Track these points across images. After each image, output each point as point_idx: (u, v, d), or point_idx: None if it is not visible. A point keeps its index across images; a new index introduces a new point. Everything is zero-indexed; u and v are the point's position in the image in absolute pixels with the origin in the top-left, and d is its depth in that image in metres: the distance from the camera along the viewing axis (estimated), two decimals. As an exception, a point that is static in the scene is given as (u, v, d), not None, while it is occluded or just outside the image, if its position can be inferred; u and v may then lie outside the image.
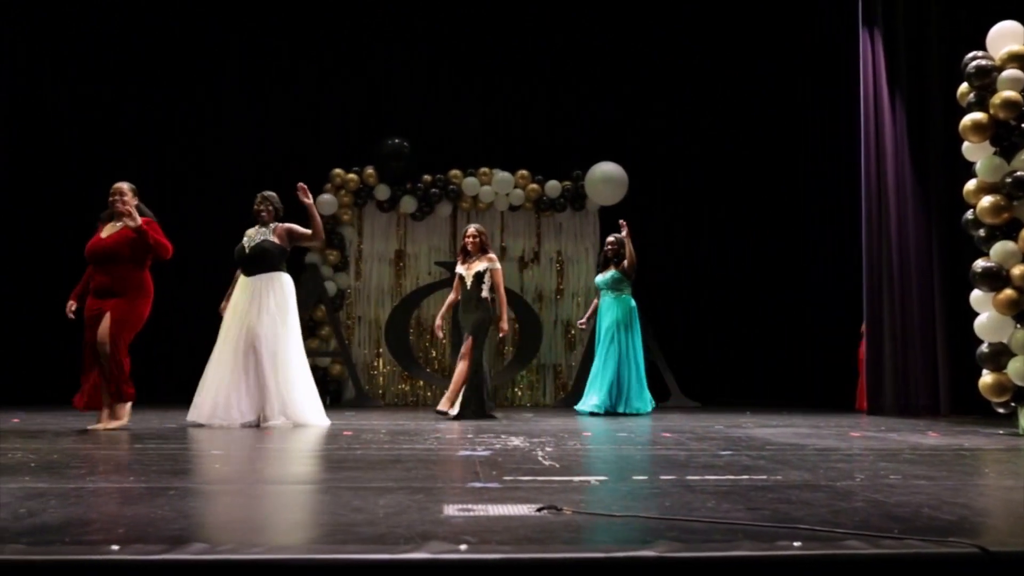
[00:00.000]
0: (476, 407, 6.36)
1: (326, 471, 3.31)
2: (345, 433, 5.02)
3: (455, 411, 6.31)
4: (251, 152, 9.54)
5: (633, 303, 7.50)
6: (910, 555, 1.85)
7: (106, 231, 5.36)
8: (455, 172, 9.40)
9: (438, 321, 6.72)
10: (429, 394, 9.20)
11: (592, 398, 7.29)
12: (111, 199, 5.32)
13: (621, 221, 7.51)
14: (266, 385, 5.49)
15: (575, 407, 7.52)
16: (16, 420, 4.58)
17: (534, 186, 9.43)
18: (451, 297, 6.73)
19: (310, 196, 5.72)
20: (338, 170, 9.38)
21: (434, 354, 9.45)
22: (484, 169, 9.40)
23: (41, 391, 8.07)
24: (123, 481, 3.00)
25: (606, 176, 9.18)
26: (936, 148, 7.19)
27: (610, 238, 7.65)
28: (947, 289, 7.07)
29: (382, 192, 9.41)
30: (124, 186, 5.37)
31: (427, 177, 9.39)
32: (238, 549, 1.86)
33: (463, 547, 1.86)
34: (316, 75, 9.72)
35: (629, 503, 2.52)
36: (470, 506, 2.46)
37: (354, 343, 9.40)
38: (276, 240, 5.79)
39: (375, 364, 9.49)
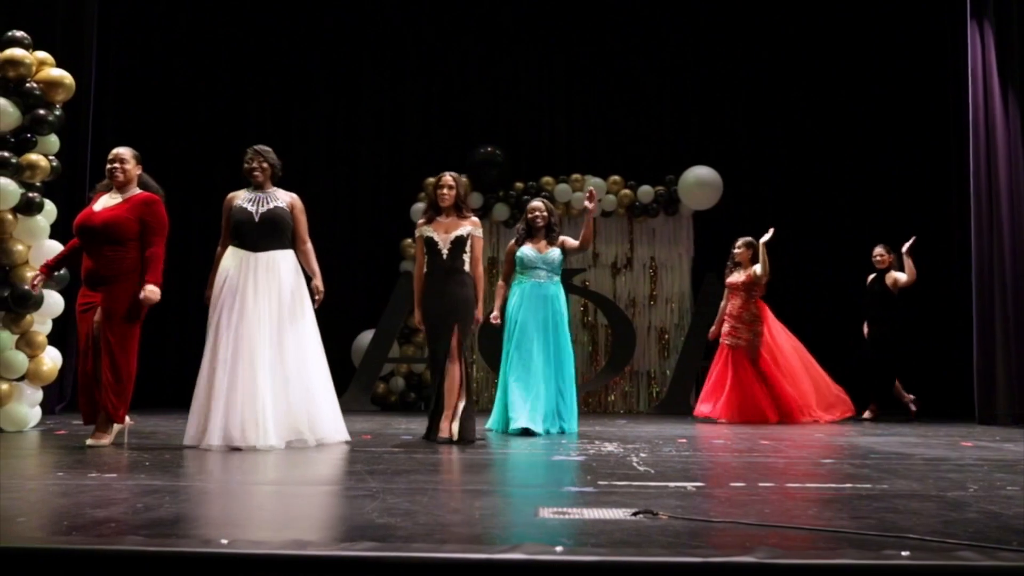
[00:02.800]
0: (472, 426, 4.92)
1: (423, 474, 3.36)
2: (441, 435, 5.08)
3: (456, 433, 4.82)
4: (345, 163, 9.77)
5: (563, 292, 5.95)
6: (1029, 568, 1.76)
7: (100, 204, 4.37)
8: (547, 179, 9.42)
9: (418, 315, 5.23)
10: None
11: (525, 411, 5.45)
12: (109, 166, 4.39)
13: (591, 190, 5.68)
14: (300, 398, 4.47)
15: (489, 425, 5.74)
16: (131, 422, 4.81)
17: (627, 191, 9.36)
18: (418, 272, 5.23)
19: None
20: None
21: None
22: (576, 175, 9.39)
23: (152, 393, 8.35)
24: (229, 481, 3.12)
25: (700, 180, 9.04)
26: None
27: (537, 203, 5.90)
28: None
29: (475, 200, 9.51)
30: (125, 152, 4.42)
31: (519, 184, 9.45)
32: (340, 546, 1.92)
33: (559, 549, 1.86)
34: (408, 85, 9.88)
35: (727, 509, 2.48)
36: (565, 509, 2.46)
37: (448, 349, 9.50)
38: (287, 209, 4.66)
39: (470, 370, 9.56)
